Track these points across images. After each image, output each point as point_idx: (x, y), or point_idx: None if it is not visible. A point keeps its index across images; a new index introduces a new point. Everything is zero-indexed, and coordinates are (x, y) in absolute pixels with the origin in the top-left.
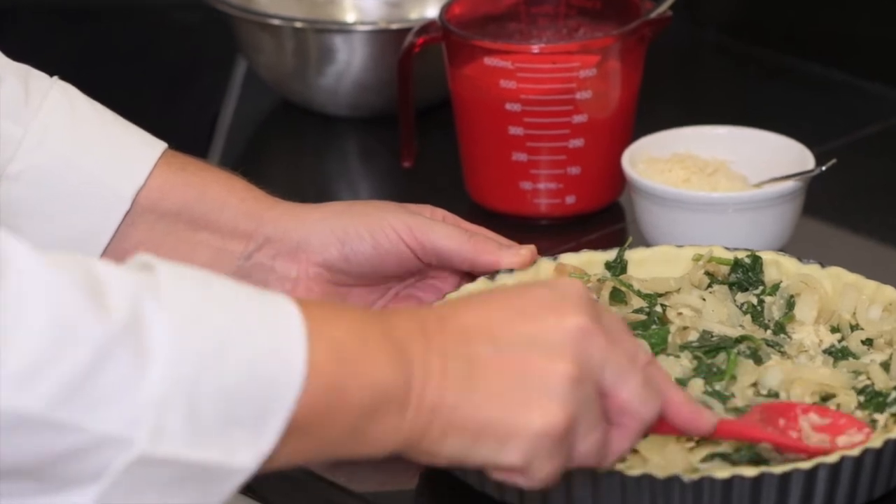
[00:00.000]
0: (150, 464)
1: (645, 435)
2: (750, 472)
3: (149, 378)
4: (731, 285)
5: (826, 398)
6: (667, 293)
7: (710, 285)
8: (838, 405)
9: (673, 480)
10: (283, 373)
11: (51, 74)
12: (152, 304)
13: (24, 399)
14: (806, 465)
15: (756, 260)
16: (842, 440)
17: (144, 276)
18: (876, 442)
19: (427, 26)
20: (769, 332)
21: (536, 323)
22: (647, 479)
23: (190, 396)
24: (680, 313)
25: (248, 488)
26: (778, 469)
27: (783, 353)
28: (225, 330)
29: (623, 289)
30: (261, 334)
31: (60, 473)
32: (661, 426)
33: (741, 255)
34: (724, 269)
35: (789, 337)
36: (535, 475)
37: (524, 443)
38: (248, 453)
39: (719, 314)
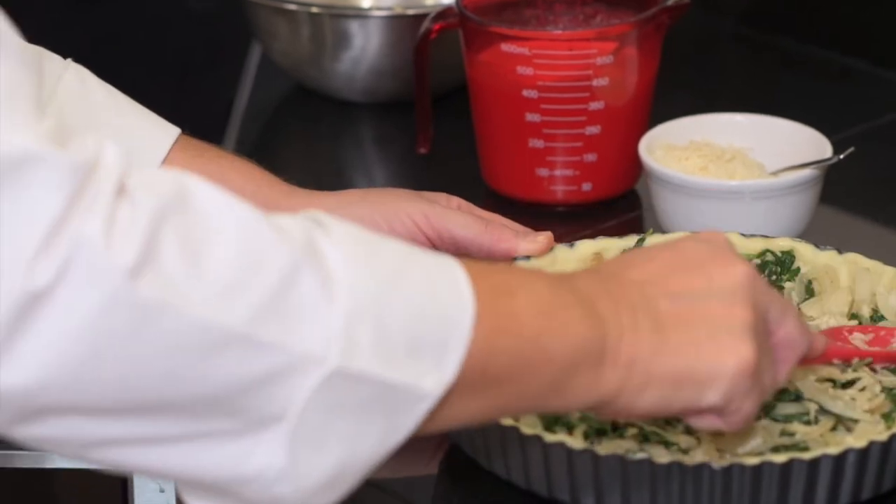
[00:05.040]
0: (344, 379)
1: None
2: (779, 458)
3: (336, 297)
4: None
5: (847, 384)
6: None
7: None
8: (864, 388)
9: (702, 467)
10: (456, 308)
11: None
12: (324, 237)
13: (228, 314)
14: (834, 450)
15: (789, 255)
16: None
17: (311, 219)
18: None
19: (444, 12)
20: None
21: (705, 276)
22: (676, 466)
23: (375, 316)
24: None
25: None
26: (807, 455)
27: None
28: (397, 263)
29: None
30: (431, 272)
31: (255, 404)
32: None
33: (762, 244)
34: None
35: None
36: (735, 415)
37: (723, 384)
38: (432, 379)
39: None
